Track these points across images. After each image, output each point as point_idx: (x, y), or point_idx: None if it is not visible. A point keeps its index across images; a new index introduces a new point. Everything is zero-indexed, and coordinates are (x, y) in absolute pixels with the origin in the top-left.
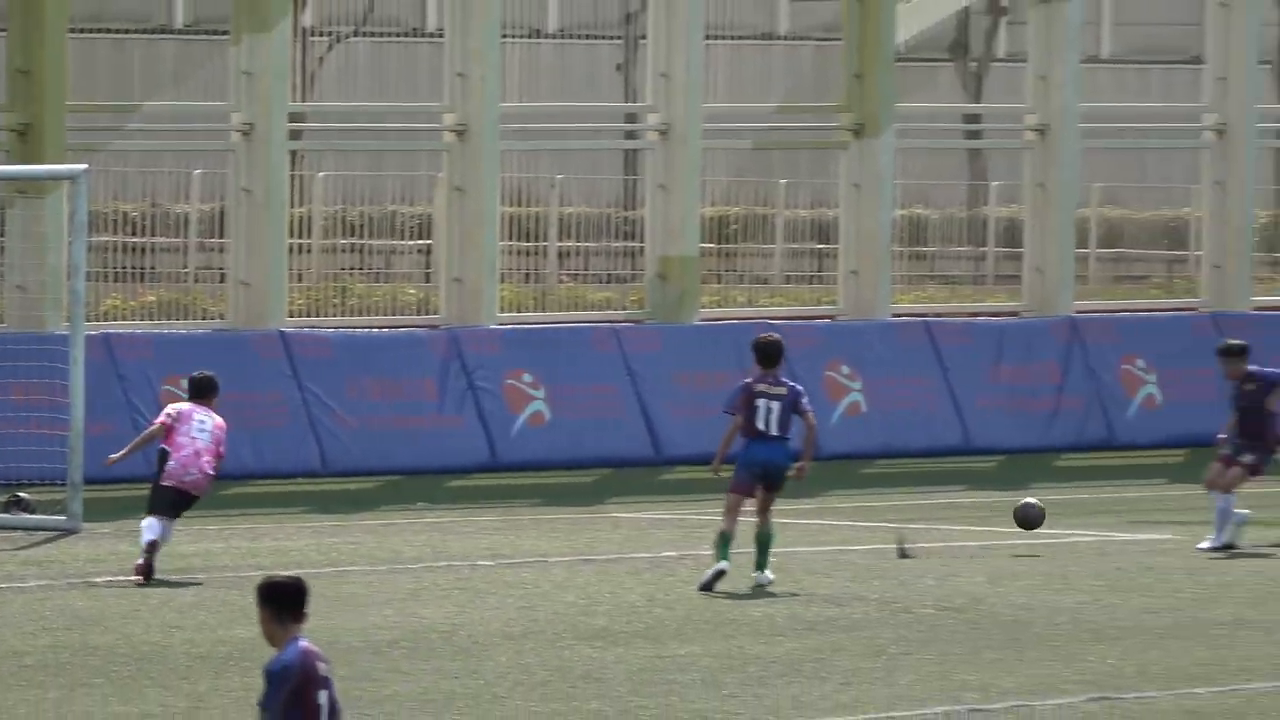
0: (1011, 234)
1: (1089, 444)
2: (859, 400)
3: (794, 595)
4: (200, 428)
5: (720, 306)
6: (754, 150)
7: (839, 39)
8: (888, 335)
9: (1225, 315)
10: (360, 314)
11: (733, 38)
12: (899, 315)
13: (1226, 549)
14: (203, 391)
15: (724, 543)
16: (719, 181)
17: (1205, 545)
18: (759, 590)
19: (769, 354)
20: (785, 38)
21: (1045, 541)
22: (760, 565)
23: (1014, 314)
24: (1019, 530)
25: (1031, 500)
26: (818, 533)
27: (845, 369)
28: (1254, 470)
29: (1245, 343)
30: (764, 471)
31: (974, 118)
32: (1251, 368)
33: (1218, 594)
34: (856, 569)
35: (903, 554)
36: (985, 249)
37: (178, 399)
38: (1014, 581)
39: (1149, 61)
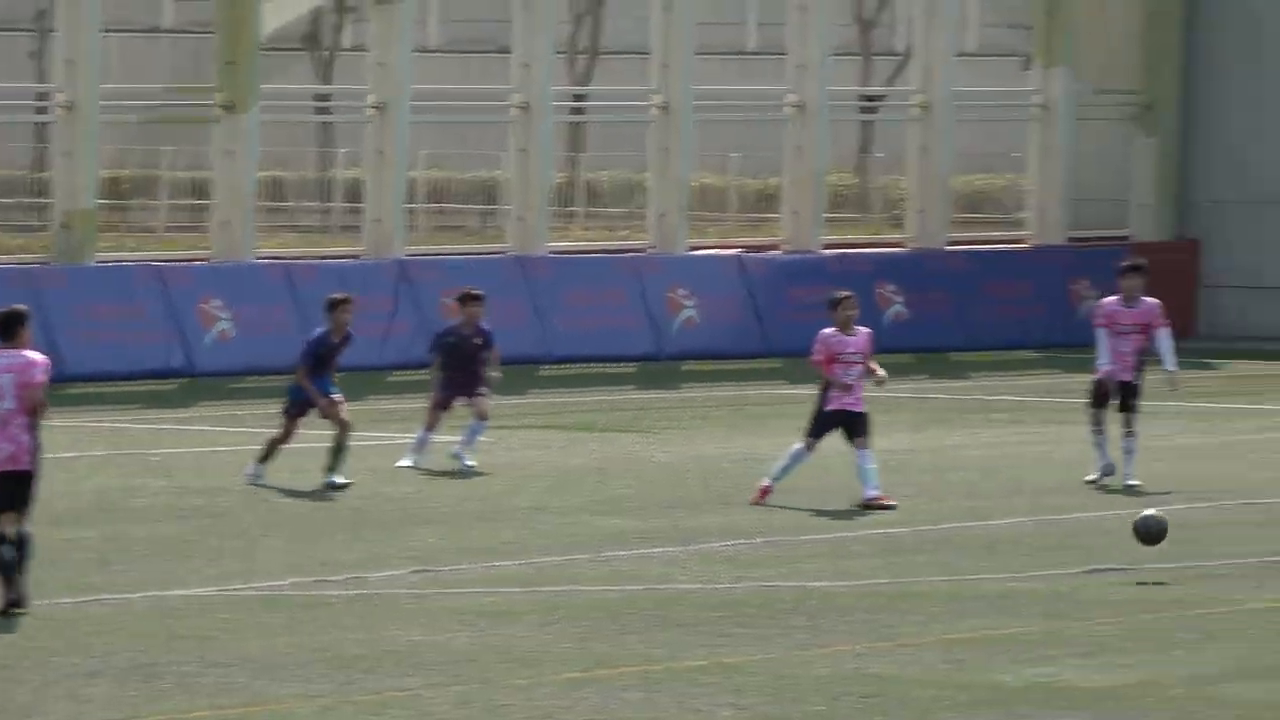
0: (355, 192)
1: (414, 364)
2: (228, 328)
3: (172, 488)
4: None
5: (115, 251)
6: (144, 123)
7: (213, 32)
8: (254, 274)
9: (527, 258)
10: None
11: (126, 30)
12: (262, 259)
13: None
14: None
15: None
16: (114, 148)
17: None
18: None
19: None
20: (170, 30)
21: (378, 443)
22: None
23: (355, 257)
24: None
25: (1152, 512)
26: (193, 436)
27: (217, 302)
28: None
29: None
30: None
31: (325, 97)
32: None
33: (520, 485)
34: (223, 465)
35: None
36: (332, 204)
37: None
38: (353, 476)
39: (468, 51)
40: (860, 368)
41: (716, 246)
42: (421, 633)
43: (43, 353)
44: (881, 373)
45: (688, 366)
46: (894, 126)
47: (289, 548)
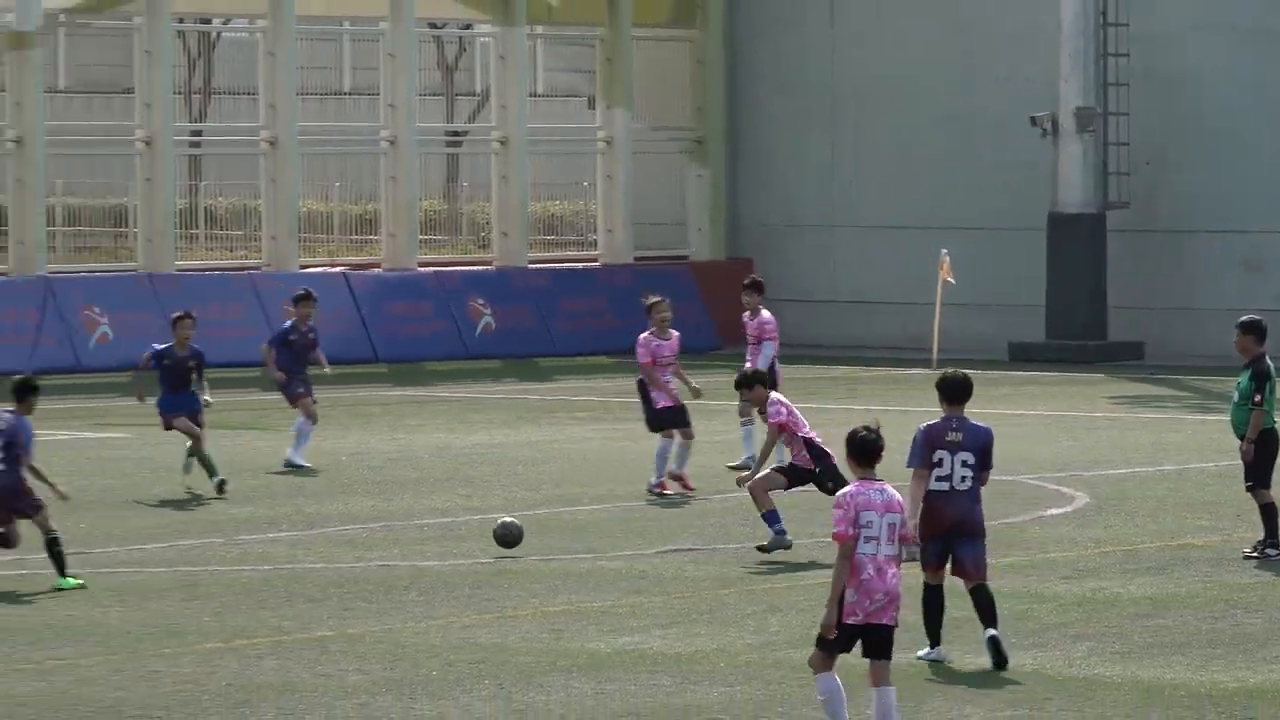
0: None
1: (59, 369)
2: None
3: None
4: None
5: None
6: None
7: None
8: None
9: (157, 275)
10: None
11: None
12: None
13: None
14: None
15: None
16: None
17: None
18: None
19: None
20: None
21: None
22: None
23: (4, 274)
24: None
25: (510, 520)
26: None
27: None
28: None
29: None
30: None
31: None
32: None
33: (162, 477)
34: None
35: None
36: None
37: None
38: None
39: (94, 91)
40: (674, 367)
41: (325, 265)
42: (77, 608)
43: None
44: (695, 384)
45: (312, 371)
46: (477, 158)
47: None
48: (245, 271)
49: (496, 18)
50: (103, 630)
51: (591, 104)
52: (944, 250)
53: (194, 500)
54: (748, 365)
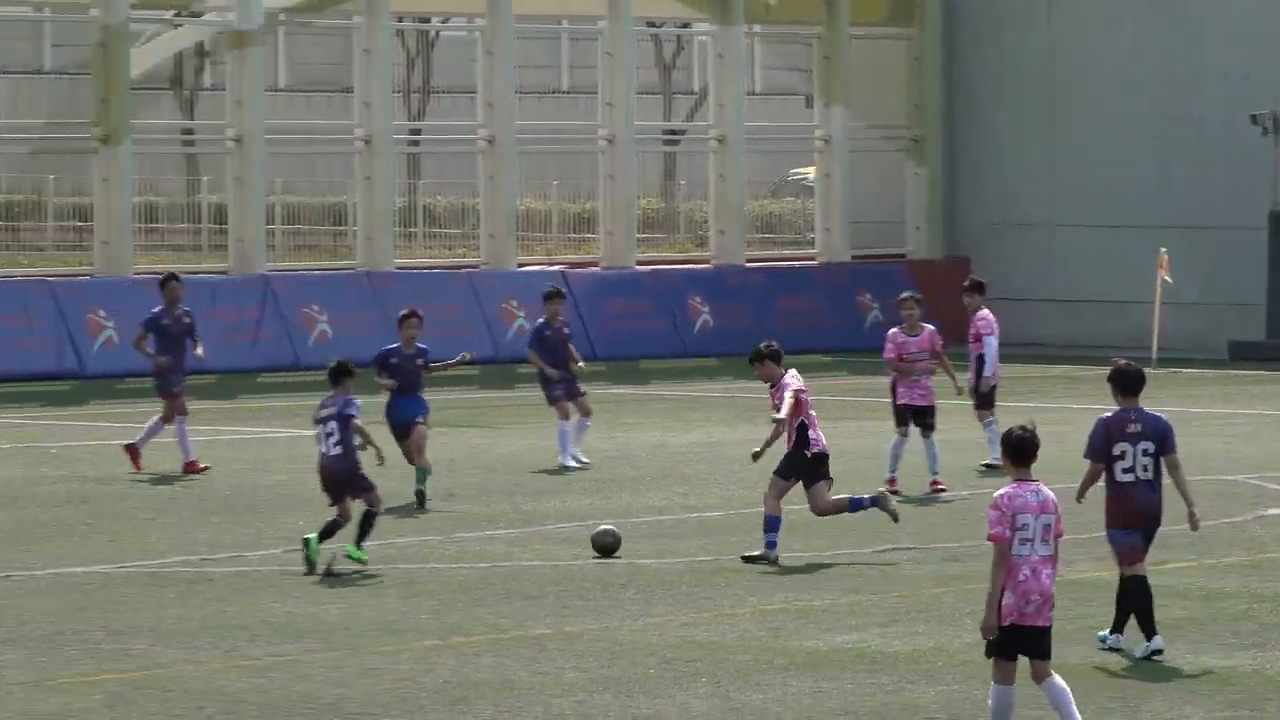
0: (220, 214)
1: (279, 366)
2: (113, 335)
3: (69, 477)
4: None
5: (7, 267)
6: (31, 154)
7: (89, 73)
8: (134, 288)
9: (376, 273)
10: None
11: (11, 72)
12: (140, 274)
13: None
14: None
15: None
16: (4, 177)
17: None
18: (49, 474)
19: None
20: (50, 72)
21: (251, 437)
22: None
23: (224, 272)
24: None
25: (608, 528)
26: (83, 431)
27: (102, 312)
28: None
29: None
30: None
31: (189, 131)
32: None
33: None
34: (113, 457)
35: None
36: (201, 225)
37: None
38: (230, 466)
39: (313, 90)
40: (924, 364)
41: (542, 263)
42: (297, 605)
43: None
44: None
45: (523, 369)
46: (695, 157)
47: (176, 530)
48: (463, 270)
49: (714, 16)
50: (323, 628)
51: (809, 102)
52: (1162, 249)
53: (413, 499)
54: (971, 374)
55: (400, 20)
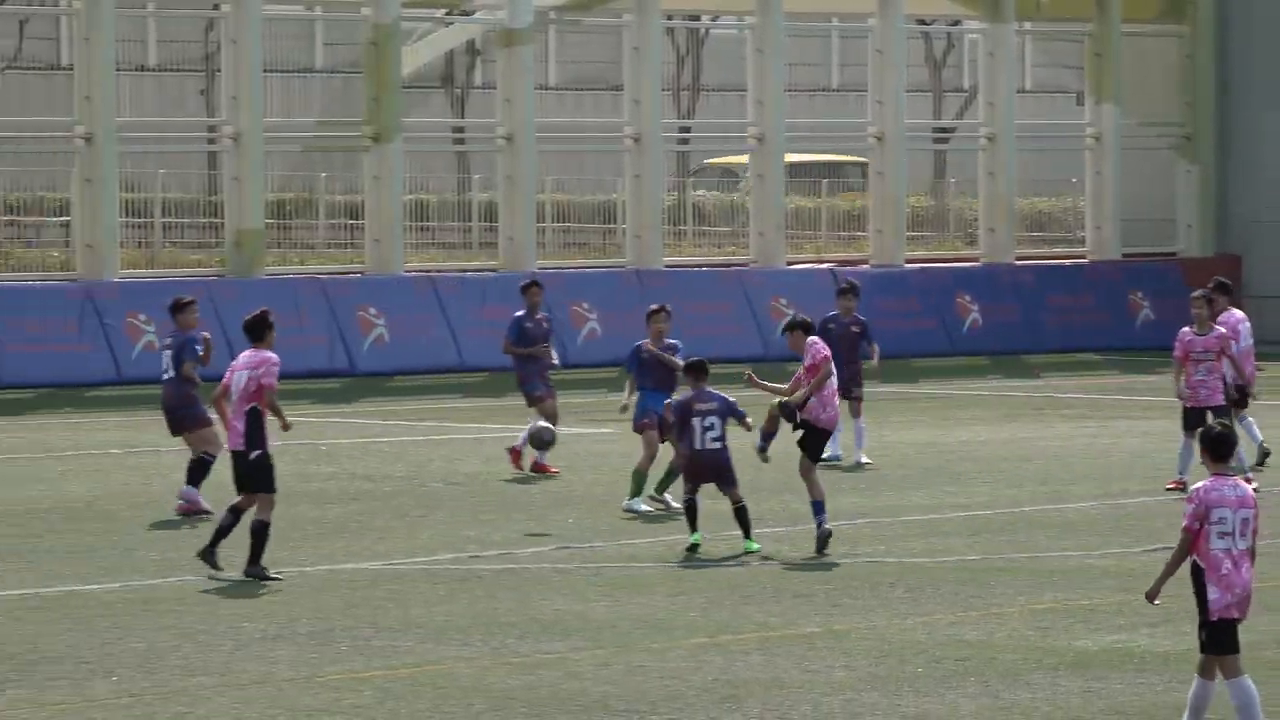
0: (490, 212)
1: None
2: (383, 333)
3: (339, 474)
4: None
5: (280, 265)
6: (302, 152)
7: (360, 72)
8: (405, 285)
9: (645, 271)
10: (19, 270)
11: (283, 71)
12: (410, 271)
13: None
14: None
15: None
16: (277, 174)
17: None
18: (320, 470)
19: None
20: (321, 71)
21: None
22: None
23: (493, 270)
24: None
25: (546, 425)
26: (355, 428)
27: (373, 310)
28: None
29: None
30: None
31: (460, 129)
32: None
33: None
34: (384, 455)
35: None
36: (471, 223)
37: None
38: (500, 464)
39: (583, 88)
40: (1213, 363)
41: (812, 262)
42: (565, 602)
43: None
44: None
45: (793, 367)
46: (964, 155)
47: (445, 527)
48: (732, 268)
49: (985, 14)
50: (590, 625)
51: (1079, 100)
52: None
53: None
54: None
55: (670, 18)
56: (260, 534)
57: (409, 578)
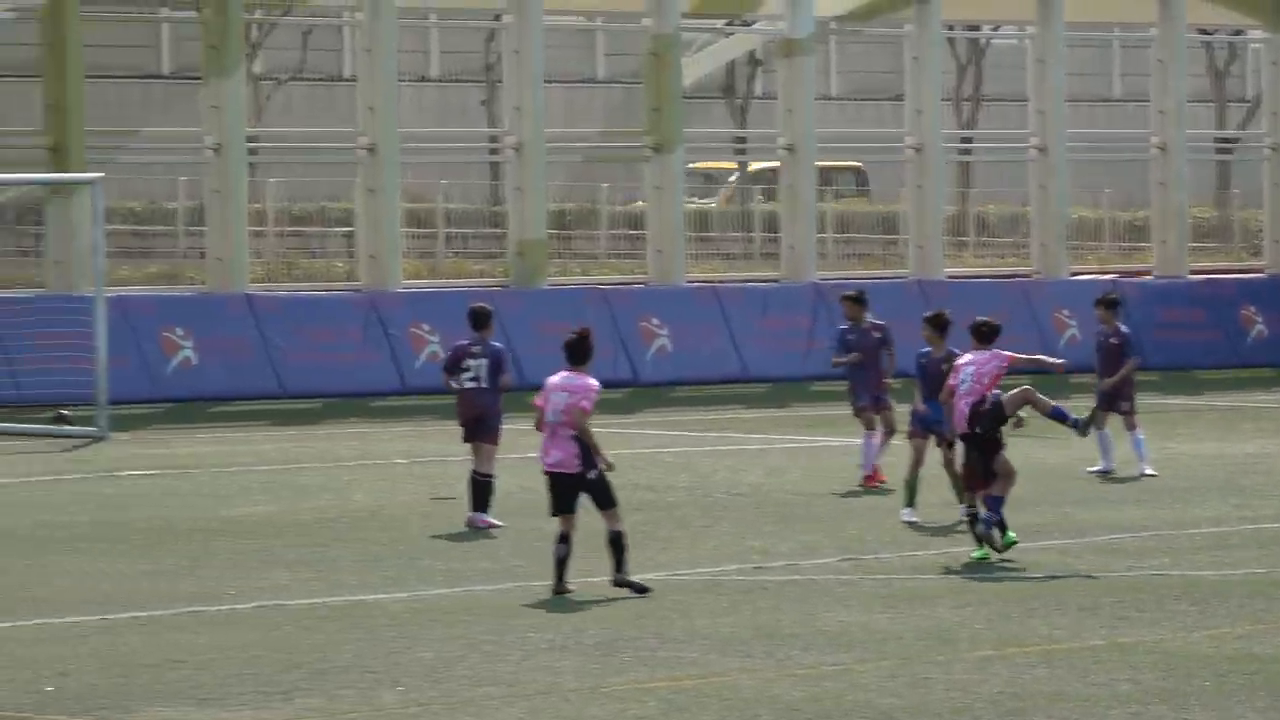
0: (771, 223)
1: (828, 374)
2: (666, 343)
3: (622, 485)
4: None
5: (562, 276)
6: (584, 162)
7: (641, 82)
8: (687, 296)
9: (927, 281)
10: (303, 280)
11: (565, 81)
12: (692, 282)
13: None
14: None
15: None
16: (558, 185)
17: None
18: None
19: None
20: (603, 81)
21: (805, 445)
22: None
23: (775, 280)
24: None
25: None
26: (638, 439)
27: (655, 320)
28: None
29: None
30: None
31: (740, 139)
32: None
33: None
34: (668, 465)
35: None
36: (753, 234)
37: (175, 345)
38: (784, 475)
39: (865, 98)
40: None
41: (1095, 272)
42: (850, 614)
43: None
44: None
45: (1076, 379)
46: (1249, 165)
47: (729, 538)
48: (1015, 279)
49: (1268, 23)
50: (875, 637)
51: None
52: None
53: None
54: None
55: (951, 28)
56: (617, 543)
57: (691, 589)
